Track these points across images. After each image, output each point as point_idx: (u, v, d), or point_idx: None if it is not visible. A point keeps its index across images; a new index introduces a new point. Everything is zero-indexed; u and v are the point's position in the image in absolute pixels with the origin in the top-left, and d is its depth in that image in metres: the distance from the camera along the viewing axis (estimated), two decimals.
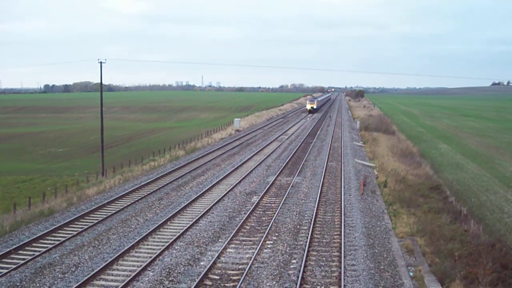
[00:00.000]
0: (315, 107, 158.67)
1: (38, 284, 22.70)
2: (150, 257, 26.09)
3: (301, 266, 24.89)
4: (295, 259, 26.39)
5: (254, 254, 26.58)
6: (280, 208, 36.58)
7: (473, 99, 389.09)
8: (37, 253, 26.61)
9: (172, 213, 34.55)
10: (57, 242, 28.49)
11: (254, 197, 40.28)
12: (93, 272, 23.58)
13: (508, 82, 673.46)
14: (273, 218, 33.62)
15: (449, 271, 24.06)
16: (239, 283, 22.76)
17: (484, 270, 23.80)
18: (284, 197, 40.02)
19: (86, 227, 31.59)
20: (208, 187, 43.21)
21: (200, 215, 34.16)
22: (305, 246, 27.96)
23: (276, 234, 30.65)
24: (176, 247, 28.02)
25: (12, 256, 26.45)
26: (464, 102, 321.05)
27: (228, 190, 42.15)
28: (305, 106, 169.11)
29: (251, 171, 51.11)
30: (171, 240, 28.66)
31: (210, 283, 23.13)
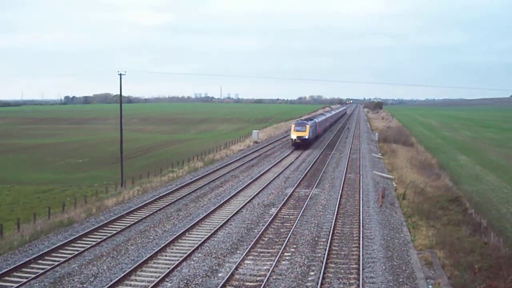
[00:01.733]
0: (306, 136, 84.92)
1: None
2: (168, 268, 26.14)
3: (319, 278, 24.80)
4: (313, 271, 26.31)
5: (272, 266, 26.54)
6: (298, 220, 36.52)
7: (492, 110, 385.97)
8: (56, 263, 26.80)
9: (191, 224, 34.61)
10: (76, 252, 28.68)
11: (273, 208, 40.24)
12: (112, 283, 23.67)
13: None
14: (291, 230, 33.56)
15: (469, 284, 23.85)
16: None
17: (505, 283, 23.58)
18: (303, 208, 39.95)
19: (105, 237, 31.75)
20: (227, 198, 43.27)
21: (219, 226, 34.20)
22: (323, 258, 27.87)
23: (294, 246, 30.59)
24: (194, 258, 28.08)
25: (32, 265, 26.66)
26: (484, 113, 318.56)
27: (246, 201, 42.16)
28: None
29: (269, 182, 51.09)
30: (190, 251, 28.72)
31: None
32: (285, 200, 42.83)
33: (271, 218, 36.49)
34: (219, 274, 25.67)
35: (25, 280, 24.19)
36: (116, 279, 24.20)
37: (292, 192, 46.41)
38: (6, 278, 24.86)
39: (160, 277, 24.49)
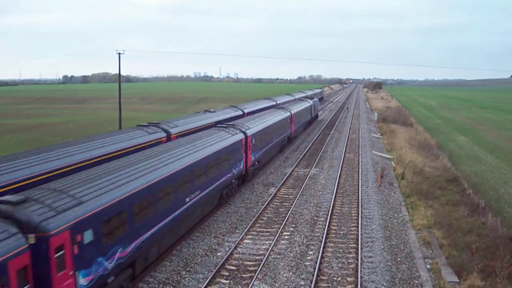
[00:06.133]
0: None
1: None
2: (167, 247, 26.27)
3: (317, 257, 24.96)
4: (312, 250, 26.46)
5: (271, 245, 26.69)
6: (298, 199, 36.63)
7: (491, 91, 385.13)
8: None
9: None
10: None
11: (272, 188, 40.34)
12: None
13: None
14: (290, 210, 33.69)
15: (466, 263, 24.00)
16: (256, 273, 22.89)
17: (502, 263, 23.70)
18: (302, 188, 40.05)
19: None
20: None
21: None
22: (322, 237, 28.02)
23: (293, 225, 30.73)
24: (194, 238, 28.21)
25: None
26: (483, 94, 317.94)
27: (245, 180, 42.22)
28: None
29: (268, 161, 51.11)
30: (315, 120, 28.55)
31: (227, 273, 23.30)
32: (284, 179, 42.91)
33: (270, 198, 36.59)
34: (219, 254, 25.84)
35: None
36: None
37: (291, 171, 46.48)
38: None
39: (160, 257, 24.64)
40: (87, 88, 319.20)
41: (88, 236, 17.27)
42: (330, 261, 24.94)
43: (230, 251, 25.81)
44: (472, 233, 29.26)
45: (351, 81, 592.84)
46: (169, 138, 39.23)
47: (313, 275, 22.82)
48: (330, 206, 34.40)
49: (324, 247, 26.54)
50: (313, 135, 75.43)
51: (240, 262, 24.80)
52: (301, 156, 54.76)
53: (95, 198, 18.20)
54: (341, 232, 29.58)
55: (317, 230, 29.92)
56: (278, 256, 25.50)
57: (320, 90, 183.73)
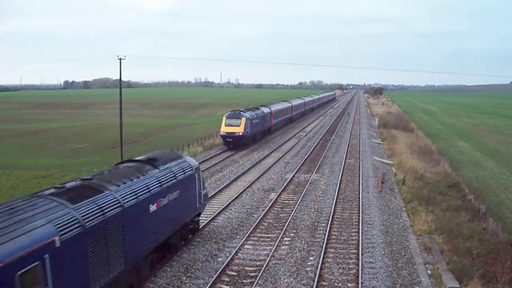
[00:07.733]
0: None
1: None
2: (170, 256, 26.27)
3: (318, 263, 24.94)
4: (312, 256, 26.44)
5: (272, 251, 26.67)
6: (298, 205, 36.62)
7: (492, 97, 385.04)
8: None
9: None
10: None
11: (272, 193, 40.34)
12: None
13: None
14: (291, 215, 33.67)
15: (467, 269, 23.97)
16: (257, 279, 22.87)
17: (503, 269, 23.67)
18: (302, 194, 40.04)
19: None
20: (226, 183, 43.31)
21: (218, 211, 34.29)
22: (323, 243, 28.00)
23: (294, 231, 30.71)
24: (194, 243, 28.21)
25: None
26: (483, 100, 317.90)
27: (246, 186, 42.23)
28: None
29: (269, 167, 51.16)
30: (189, 236, 28.81)
31: (227, 279, 23.28)
32: (285, 185, 42.92)
33: (271, 203, 36.60)
34: (219, 259, 25.85)
35: None
36: None
37: (292, 177, 46.48)
38: None
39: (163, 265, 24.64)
40: (88, 93, 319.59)
41: None
42: (331, 267, 24.92)
43: (231, 256, 25.81)
44: (473, 238, 29.23)
45: (351, 87, 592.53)
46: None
47: (313, 281, 22.80)
48: (330, 212, 34.39)
49: (325, 253, 26.53)
50: (313, 140, 75.21)
51: (241, 267, 24.78)
52: (302, 162, 54.76)
53: None
54: (342, 238, 29.56)
55: (318, 235, 29.91)
56: (279, 262, 25.48)
57: (333, 92, 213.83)
